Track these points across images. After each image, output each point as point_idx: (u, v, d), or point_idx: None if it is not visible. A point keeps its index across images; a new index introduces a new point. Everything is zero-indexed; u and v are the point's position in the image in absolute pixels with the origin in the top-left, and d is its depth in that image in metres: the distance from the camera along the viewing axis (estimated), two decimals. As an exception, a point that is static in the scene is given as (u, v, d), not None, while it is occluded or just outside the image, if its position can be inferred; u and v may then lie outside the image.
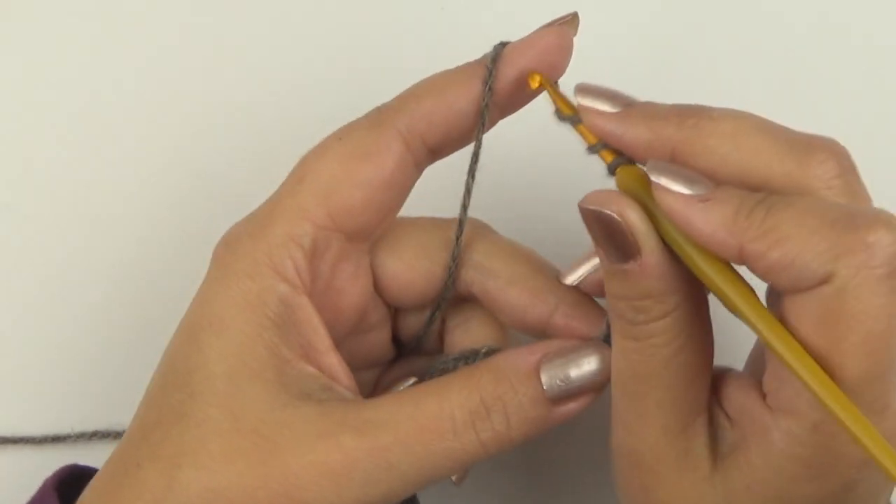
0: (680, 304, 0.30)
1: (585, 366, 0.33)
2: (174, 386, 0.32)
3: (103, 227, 0.46)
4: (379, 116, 0.34)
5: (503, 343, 0.36)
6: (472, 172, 0.35)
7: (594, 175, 0.33)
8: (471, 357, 0.35)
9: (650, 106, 0.32)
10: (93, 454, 0.43)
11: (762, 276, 0.29)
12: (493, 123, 0.35)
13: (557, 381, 0.32)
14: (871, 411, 0.27)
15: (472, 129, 0.34)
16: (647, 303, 0.30)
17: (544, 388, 0.32)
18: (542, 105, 0.34)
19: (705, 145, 0.30)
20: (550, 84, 0.34)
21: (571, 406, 0.33)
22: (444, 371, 0.35)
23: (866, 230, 0.27)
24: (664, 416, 0.31)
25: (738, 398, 0.31)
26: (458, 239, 0.35)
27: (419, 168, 0.35)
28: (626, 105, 0.32)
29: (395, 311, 0.38)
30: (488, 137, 0.35)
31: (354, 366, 0.36)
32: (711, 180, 0.30)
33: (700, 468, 0.31)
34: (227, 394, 0.32)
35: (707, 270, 0.29)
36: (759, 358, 0.32)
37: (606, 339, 0.33)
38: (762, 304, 0.29)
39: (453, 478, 0.36)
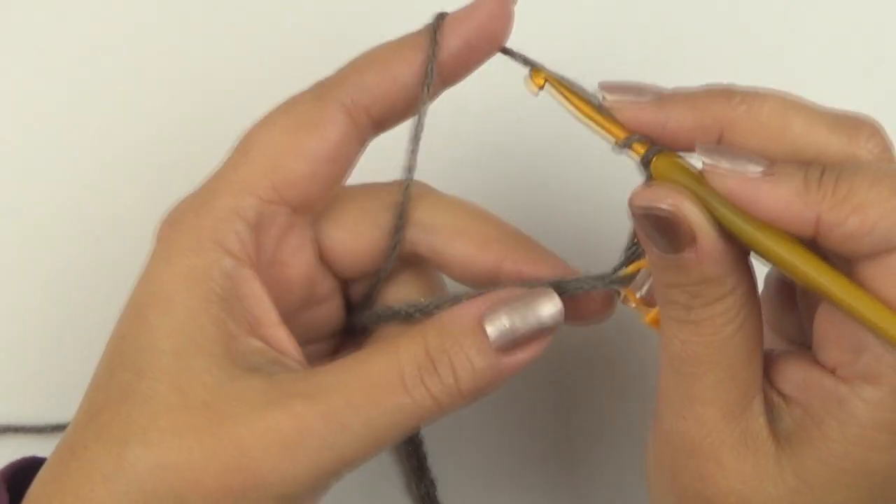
0: (737, 284, 0.30)
1: (530, 314, 0.32)
2: (121, 366, 0.32)
3: (78, 213, 0.47)
4: (322, 89, 0.34)
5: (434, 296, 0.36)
6: (415, 140, 0.35)
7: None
8: (395, 314, 0.35)
9: (686, 91, 0.32)
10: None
11: (837, 245, 0.29)
12: (435, 94, 0.35)
13: (503, 331, 0.32)
14: None
15: (415, 100, 0.34)
16: (704, 287, 0.30)
17: (490, 338, 0.32)
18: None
19: (758, 123, 0.31)
20: (561, 83, 0.33)
21: (521, 355, 0.32)
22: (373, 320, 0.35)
23: None
24: (723, 398, 0.31)
25: (796, 375, 0.31)
26: (403, 204, 0.35)
27: (363, 141, 0.35)
28: (658, 94, 0.32)
29: (347, 282, 0.38)
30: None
31: (309, 338, 0.36)
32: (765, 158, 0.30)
33: (763, 449, 0.31)
34: (174, 370, 0.31)
35: (773, 246, 0.29)
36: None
37: (559, 286, 0.33)
38: (838, 272, 0.29)
39: None
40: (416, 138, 0.35)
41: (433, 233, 0.35)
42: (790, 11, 0.50)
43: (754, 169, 0.29)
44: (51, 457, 0.33)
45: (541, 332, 0.32)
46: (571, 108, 0.33)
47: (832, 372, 0.30)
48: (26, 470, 0.34)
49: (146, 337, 0.32)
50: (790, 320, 0.35)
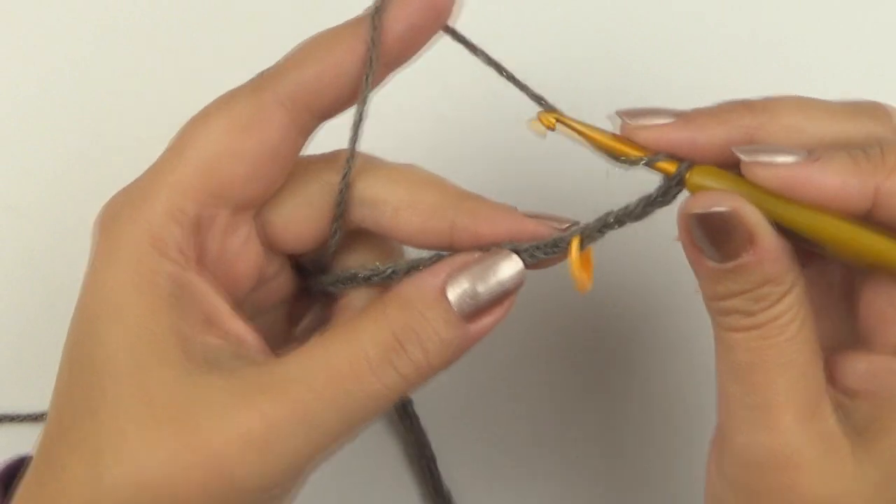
0: (795, 281, 0.30)
1: (491, 277, 0.32)
2: (81, 381, 0.32)
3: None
4: (261, 84, 0.33)
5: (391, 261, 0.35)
6: (356, 127, 0.34)
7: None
8: (352, 278, 0.34)
9: (707, 108, 0.32)
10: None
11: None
12: (378, 81, 0.33)
13: (466, 299, 0.32)
14: None
15: (358, 87, 0.33)
16: (766, 289, 0.30)
17: (454, 307, 0.32)
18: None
19: (782, 125, 0.31)
20: (575, 122, 0.33)
21: (487, 320, 0.32)
22: (334, 285, 0.35)
23: None
24: (796, 401, 0.30)
25: (858, 367, 0.31)
26: (340, 191, 0.34)
27: (305, 134, 0.34)
28: (676, 114, 0.32)
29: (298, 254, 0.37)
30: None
31: (263, 310, 0.35)
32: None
33: (840, 449, 0.30)
34: (135, 381, 0.31)
35: (834, 228, 0.30)
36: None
37: (516, 250, 0.32)
38: None
39: None
40: (356, 126, 0.34)
41: (377, 208, 0.34)
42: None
43: (796, 158, 0.30)
44: (29, 472, 0.32)
45: (504, 294, 0.32)
46: (584, 140, 0.33)
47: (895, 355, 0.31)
48: (16, 470, 0.35)
49: (101, 351, 0.31)
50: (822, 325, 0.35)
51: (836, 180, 0.29)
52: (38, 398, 0.44)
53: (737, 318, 0.31)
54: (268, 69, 0.33)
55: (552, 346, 0.48)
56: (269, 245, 0.35)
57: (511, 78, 0.34)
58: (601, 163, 0.33)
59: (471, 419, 0.47)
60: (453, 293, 0.32)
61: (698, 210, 0.30)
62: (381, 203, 0.34)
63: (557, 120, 0.34)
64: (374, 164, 0.35)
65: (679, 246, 0.31)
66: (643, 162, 0.32)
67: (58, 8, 0.51)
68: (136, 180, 0.33)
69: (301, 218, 0.35)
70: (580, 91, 0.49)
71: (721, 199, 0.30)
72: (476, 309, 0.32)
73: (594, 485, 0.47)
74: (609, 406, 0.48)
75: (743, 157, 0.30)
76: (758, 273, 0.30)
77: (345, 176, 0.34)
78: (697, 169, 0.32)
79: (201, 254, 0.33)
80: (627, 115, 0.33)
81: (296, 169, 0.35)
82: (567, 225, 0.33)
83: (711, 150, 0.32)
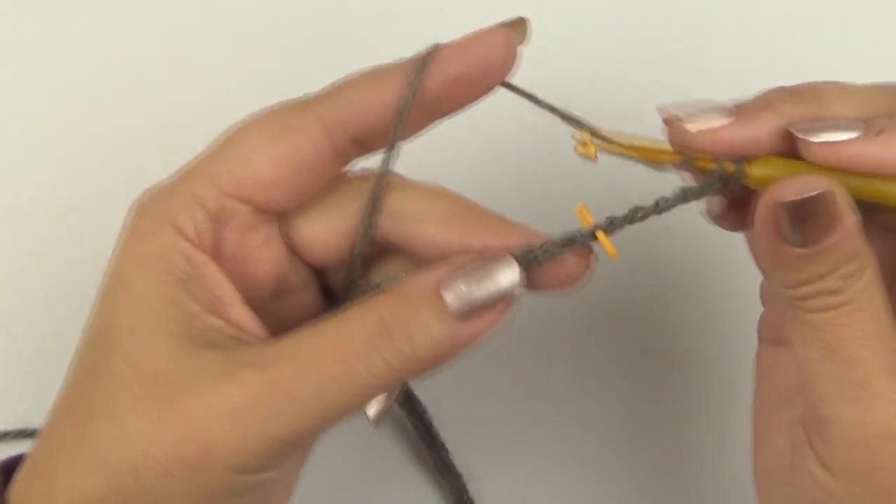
0: (871, 253, 0.31)
1: (487, 280, 0.32)
2: (91, 345, 0.33)
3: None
4: (304, 101, 0.34)
5: None
6: (384, 168, 0.34)
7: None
8: (375, 288, 0.35)
9: (758, 101, 0.33)
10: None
11: None
12: (420, 125, 0.34)
13: (461, 298, 0.32)
14: None
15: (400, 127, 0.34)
16: (853, 265, 0.30)
17: (448, 305, 0.32)
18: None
19: (832, 110, 0.32)
20: (614, 138, 0.34)
21: (480, 323, 0.32)
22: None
23: None
24: (891, 371, 0.31)
25: None
26: (374, 192, 0.35)
27: (342, 157, 0.34)
28: (731, 111, 0.33)
29: (326, 271, 0.38)
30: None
31: (287, 326, 0.35)
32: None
33: None
34: (130, 347, 0.32)
35: None
36: None
37: (528, 254, 0.33)
38: None
39: (370, 416, 0.36)
40: (385, 164, 0.35)
41: (400, 220, 0.35)
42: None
43: (858, 133, 0.31)
44: (36, 439, 0.33)
45: (500, 298, 0.32)
46: (634, 154, 0.34)
47: None
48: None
49: (109, 315, 0.32)
50: None
51: None
52: (39, 398, 0.44)
53: (825, 299, 0.31)
54: (314, 92, 0.34)
55: (566, 344, 0.48)
56: (296, 251, 0.36)
57: (571, 120, 0.34)
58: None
59: (485, 419, 0.47)
60: (448, 291, 0.32)
61: (792, 197, 0.30)
62: (403, 215, 0.35)
63: (595, 139, 0.33)
64: (401, 181, 0.36)
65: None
66: (685, 164, 0.33)
67: (58, 8, 0.51)
68: (174, 174, 0.35)
69: (327, 225, 0.35)
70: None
71: (814, 183, 0.30)
72: (470, 310, 0.32)
73: (607, 482, 0.47)
74: (623, 405, 0.47)
75: (803, 137, 0.31)
76: (846, 250, 0.30)
77: (375, 187, 0.35)
78: (758, 161, 0.32)
79: (219, 243, 0.34)
80: (679, 116, 0.33)
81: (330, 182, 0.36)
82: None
83: (767, 145, 0.32)
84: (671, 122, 0.33)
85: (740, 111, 0.32)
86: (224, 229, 0.34)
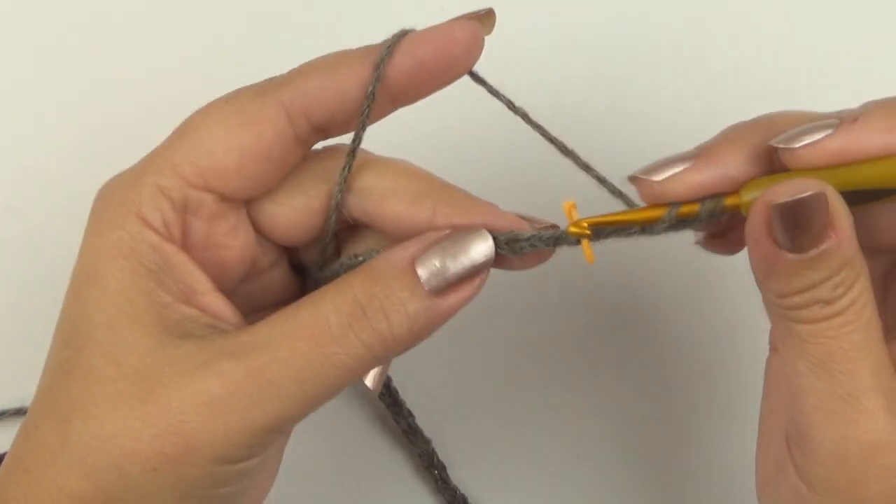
0: (863, 261, 0.30)
1: (461, 253, 0.32)
2: (63, 342, 0.33)
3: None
4: (267, 86, 0.34)
5: None
6: (352, 153, 0.34)
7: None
8: (350, 263, 0.34)
9: (715, 141, 0.33)
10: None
11: None
12: (383, 112, 0.34)
13: (434, 273, 0.32)
14: None
15: (358, 111, 0.33)
16: (845, 272, 0.30)
17: (422, 281, 0.31)
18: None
19: (783, 128, 0.32)
20: (603, 218, 0.33)
21: (455, 297, 0.32)
22: (328, 280, 0.34)
23: None
24: (883, 384, 0.30)
25: None
26: (343, 173, 0.34)
27: (303, 144, 0.34)
28: (690, 156, 0.32)
29: (295, 248, 0.37)
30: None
31: (258, 306, 0.35)
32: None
33: None
34: (107, 342, 0.31)
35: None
36: None
37: (516, 238, 0.33)
38: None
39: (368, 384, 0.36)
40: (352, 154, 0.34)
41: (365, 196, 0.34)
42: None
43: (833, 128, 0.30)
44: (14, 438, 0.33)
45: (473, 271, 0.32)
46: (624, 227, 0.33)
47: None
48: None
49: (81, 312, 0.32)
50: None
51: (882, 134, 0.30)
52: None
53: (816, 310, 0.30)
54: (276, 76, 0.34)
55: (556, 341, 0.48)
56: (264, 234, 0.35)
57: (538, 127, 0.35)
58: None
59: (471, 417, 0.47)
60: (422, 267, 0.32)
61: (785, 199, 0.29)
62: (368, 192, 0.34)
63: (589, 227, 0.33)
64: (366, 157, 0.36)
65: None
66: (672, 214, 0.32)
67: (58, 8, 0.51)
68: (137, 162, 0.34)
69: (292, 207, 0.35)
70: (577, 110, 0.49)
71: (806, 184, 0.29)
72: (444, 284, 0.32)
73: (601, 483, 0.47)
74: (617, 404, 0.48)
75: (784, 146, 0.30)
76: (838, 257, 0.30)
77: (344, 168, 0.34)
78: (746, 187, 0.31)
79: (187, 233, 0.33)
80: (644, 171, 0.32)
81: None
82: (546, 226, 0.33)
83: (741, 173, 0.32)
84: (638, 180, 0.33)
85: (701, 152, 0.32)
86: (191, 219, 0.33)
